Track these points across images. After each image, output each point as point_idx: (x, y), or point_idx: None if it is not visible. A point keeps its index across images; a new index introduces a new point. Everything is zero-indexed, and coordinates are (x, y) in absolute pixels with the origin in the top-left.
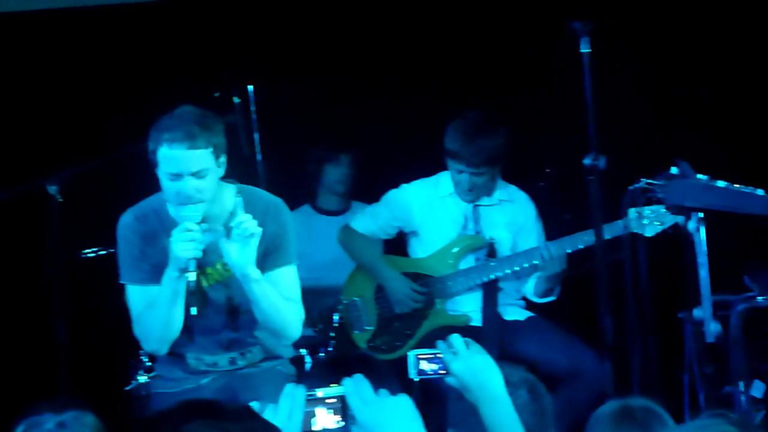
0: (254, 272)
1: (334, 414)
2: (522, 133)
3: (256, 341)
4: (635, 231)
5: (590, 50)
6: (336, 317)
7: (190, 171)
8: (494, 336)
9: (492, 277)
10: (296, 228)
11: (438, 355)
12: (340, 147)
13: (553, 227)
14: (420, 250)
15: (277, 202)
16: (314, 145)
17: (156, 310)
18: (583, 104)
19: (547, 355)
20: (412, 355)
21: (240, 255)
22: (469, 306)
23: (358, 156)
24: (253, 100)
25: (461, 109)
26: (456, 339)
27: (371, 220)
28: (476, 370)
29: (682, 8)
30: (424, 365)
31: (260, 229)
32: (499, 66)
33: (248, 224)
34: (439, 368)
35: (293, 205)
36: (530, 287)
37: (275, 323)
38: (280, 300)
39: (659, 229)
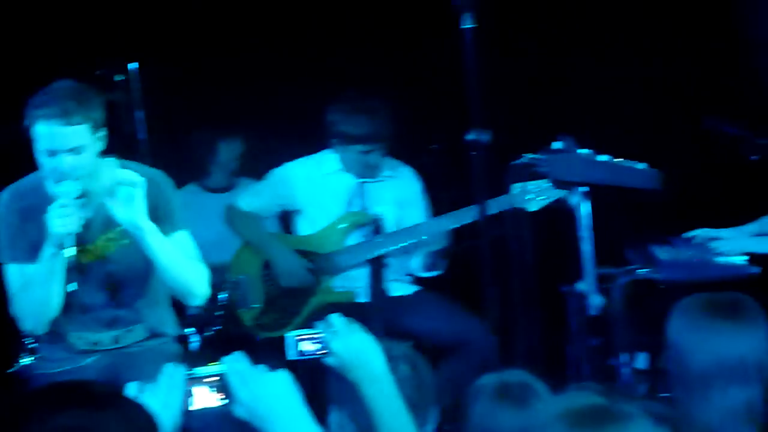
0: (147, 224)
1: (217, 392)
2: (406, 110)
3: (140, 318)
4: (519, 206)
5: (472, 26)
6: (222, 296)
7: (66, 147)
8: (381, 312)
9: (378, 253)
10: (181, 204)
11: (318, 335)
12: (235, 124)
13: (439, 202)
14: (306, 227)
15: (158, 173)
16: (206, 123)
17: (33, 288)
18: (466, 80)
19: (434, 327)
20: (291, 336)
21: (128, 209)
22: (355, 282)
23: (251, 131)
24: (138, 78)
25: (345, 86)
26: (335, 318)
27: (255, 199)
28: (356, 350)
29: None
30: (305, 346)
31: (143, 179)
32: (383, 42)
33: (129, 177)
34: (319, 348)
35: (178, 183)
36: (417, 261)
37: (180, 279)
38: (180, 256)
39: (543, 203)
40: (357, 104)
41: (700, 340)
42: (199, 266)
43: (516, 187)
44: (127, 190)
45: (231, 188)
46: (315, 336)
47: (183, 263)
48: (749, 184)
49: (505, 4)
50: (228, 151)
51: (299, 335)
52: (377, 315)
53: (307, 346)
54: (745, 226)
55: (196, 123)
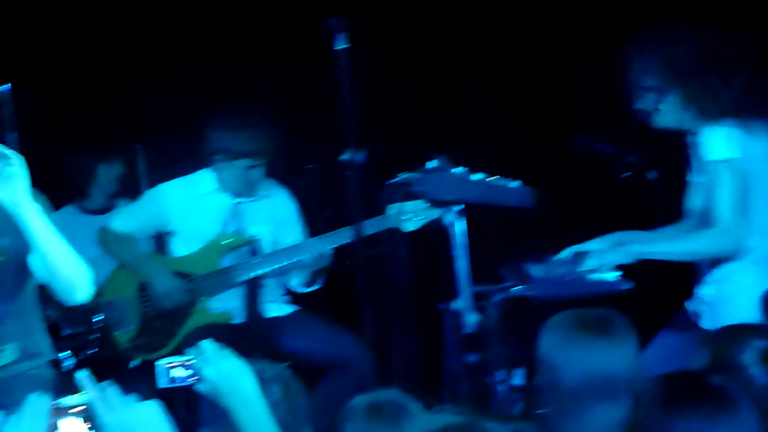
0: (29, 203)
1: (84, 421)
2: (283, 130)
3: (11, 338)
4: (396, 226)
5: (345, 46)
6: (97, 318)
7: None
8: (258, 333)
9: (254, 274)
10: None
11: (188, 362)
12: (115, 146)
13: (317, 222)
14: (181, 249)
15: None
16: (86, 145)
17: None
18: (341, 100)
19: (311, 347)
20: (161, 364)
21: (6, 189)
22: (232, 303)
23: (130, 152)
24: (11, 99)
25: (223, 106)
26: (206, 344)
27: (129, 220)
28: (227, 375)
29: (438, 4)
30: (176, 372)
31: (22, 157)
32: (260, 62)
33: (7, 152)
34: (190, 375)
35: (55, 206)
36: (294, 280)
37: (63, 270)
38: (65, 244)
39: (420, 224)
40: (241, 119)
41: (569, 358)
42: (84, 264)
43: (392, 208)
44: (6, 167)
45: (110, 210)
46: (186, 362)
47: (67, 252)
48: (620, 201)
49: (379, 26)
50: (107, 173)
51: (170, 362)
52: (254, 336)
53: (178, 373)
54: (610, 236)
55: (73, 144)
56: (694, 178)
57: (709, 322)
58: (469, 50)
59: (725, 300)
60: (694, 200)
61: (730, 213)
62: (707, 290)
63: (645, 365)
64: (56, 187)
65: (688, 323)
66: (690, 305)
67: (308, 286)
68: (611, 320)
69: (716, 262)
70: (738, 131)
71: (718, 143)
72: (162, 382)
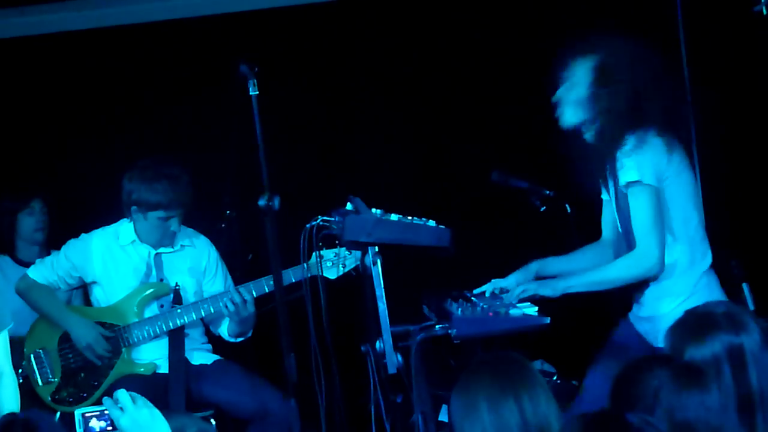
0: None
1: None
2: (201, 178)
3: None
4: (318, 274)
5: (255, 93)
6: (19, 371)
7: None
8: (181, 382)
9: (178, 323)
10: None
11: (105, 412)
12: (32, 194)
13: (238, 268)
14: (103, 299)
15: None
16: (3, 195)
17: None
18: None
19: (235, 397)
20: (78, 413)
21: None
22: (155, 353)
23: (51, 201)
24: None
25: (140, 154)
26: (122, 394)
27: (50, 270)
28: (143, 425)
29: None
30: (93, 423)
31: None
32: (173, 108)
33: None
34: (107, 425)
35: None
36: (224, 329)
37: None
38: None
39: (342, 271)
40: (156, 171)
41: (461, 415)
42: (11, 382)
43: (314, 256)
44: None
45: None
46: (102, 412)
47: None
48: (539, 234)
49: (292, 71)
50: (29, 223)
51: (86, 412)
52: (178, 386)
53: (96, 423)
54: (524, 268)
55: None
56: (605, 198)
57: (654, 338)
58: (384, 90)
59: (665, 317)
60: (607, 221)
61: (649, 235)
62: (644, 310)
63: (584, 397)
64: None
65: (634, 340)
66: (627, 327)
67: (238, 336)
68: (497, 367)
69: (643, 284)
70: (650, 153)
71: (631, 166)
72: None
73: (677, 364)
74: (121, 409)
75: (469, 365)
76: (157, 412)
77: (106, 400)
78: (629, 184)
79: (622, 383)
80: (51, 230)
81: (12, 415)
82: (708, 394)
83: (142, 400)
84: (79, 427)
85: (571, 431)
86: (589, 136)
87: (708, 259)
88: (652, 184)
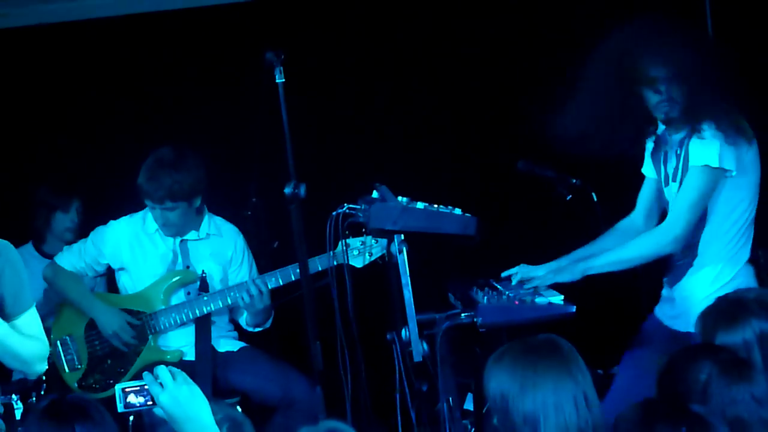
0: None
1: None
2: (226, 165)
3: None
4: (345, 262)
5: (282, 81)
6: None
7: None
8: (208, 370)
9: (204, 311)
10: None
11: (145, 387)
12: (73, 194)
13: (264, 255)
14: (130, 285)
15: (6, 244)
16: (42, 188)
17: None
18: (282, 133)
19: (261, 384)
20: (118, 388)
21: None
22: (182, 341)
23: (86, 202)
24: None
25: (167, 143)
26: (162, 370)
27: (78, 257)
28: (183, 401)
29: (379, 33)
30: (132, 398)
31: None
32: (200, 97)
33: None
34: (147, 400)
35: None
36: (243, 319)
37: (12, 362)
38: (16, 340)
39: (369, 260)
40: (154, 163)
41: (519, 389)
42: (41, 346)
43: (340, 245)
44: None
45: None
46: (142, 388)
47: (17, 347)
48: (565, 222)
49: (319, 58)
50: (63, 221)
51: (126, 387)
52: (205, 373)
53: (135, 398)
54: (556, 261)
55: (34, 187)
56: (649, 175)
57: (683, 323)
58: (410, 78)
59: (697, 304)
60: (644, 197)
61: (683, 212)
62: (678, 294)
63: (620, 384)
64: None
65: (660, 328)
66: (656, 319)
67: (258, 326)
68: (557, 346)
69: (680, 270)
70: (721, 141)
71: (702, 150)
72: (119, 407)
73: (723, 357)
74: (161, 385)
75: (525, 343)
76: (196, 388)
77: (146, 375)
78: (696, 167)
79: (668, 376)
80: (81, 233)
81: (59, 396)
82: (757, 385)
83: (182, 377)
84: (120, 402)
85: (632, 418)
86: (663, 115)
87: (747, 252)
88: (719, 167)
